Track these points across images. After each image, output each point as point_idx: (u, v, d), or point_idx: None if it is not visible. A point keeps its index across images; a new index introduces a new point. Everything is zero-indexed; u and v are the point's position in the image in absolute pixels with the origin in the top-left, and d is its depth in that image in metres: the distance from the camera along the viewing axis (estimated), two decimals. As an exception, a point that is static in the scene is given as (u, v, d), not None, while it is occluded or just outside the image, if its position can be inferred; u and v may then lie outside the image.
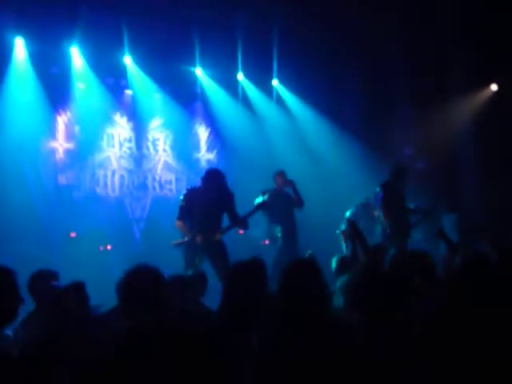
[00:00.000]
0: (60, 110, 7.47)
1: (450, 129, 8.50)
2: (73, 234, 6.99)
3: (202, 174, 5.58)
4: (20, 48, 6.89)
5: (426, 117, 8.11)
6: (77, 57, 7.30)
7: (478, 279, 2.25)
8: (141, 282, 2.51)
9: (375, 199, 6.38)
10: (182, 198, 5.49)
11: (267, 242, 7.25)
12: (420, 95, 8.44)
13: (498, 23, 7.58)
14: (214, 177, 5.37)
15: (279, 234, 6.49)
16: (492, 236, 6.85)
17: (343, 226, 7.82)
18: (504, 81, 8.43)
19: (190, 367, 1.71)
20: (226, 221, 5.65)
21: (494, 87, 8.89)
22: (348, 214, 7.64)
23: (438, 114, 8.24)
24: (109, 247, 7.16)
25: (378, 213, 6.38)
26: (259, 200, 6.31)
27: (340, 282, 3.70)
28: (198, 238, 5.22)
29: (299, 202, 6.60)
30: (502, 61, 8.03)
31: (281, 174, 6.66)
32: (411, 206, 6.68)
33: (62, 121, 7.51)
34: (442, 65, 8.25)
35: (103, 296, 3.66)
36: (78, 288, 3.00)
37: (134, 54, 7.64)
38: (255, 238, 7.77)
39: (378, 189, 6.32)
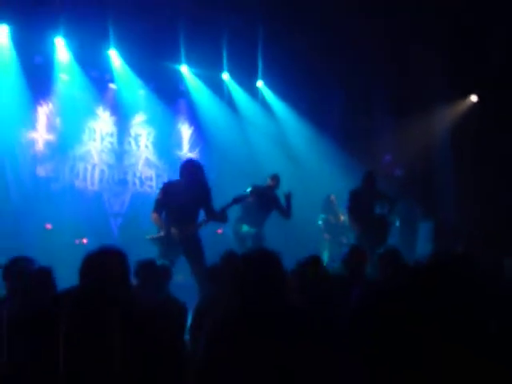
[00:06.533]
0: (42, 101, 7.38)
1: (429, 137, 8.62)
2: (48, 226, 6.91)
3: (180, 165, 5.41)
4: (4, 35, 6.80)
5: (406, 125, 8.22)
6: (61, 47, 7.23)
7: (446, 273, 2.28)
8: (102, 262, 2.45)
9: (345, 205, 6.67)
10: (159, 190, 5.38)
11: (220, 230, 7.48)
12: (400, 103, 8.55)
13: (480, 34, 7.72)
14: (191, 168, 5.28)
15: (246, 232, 6.46)
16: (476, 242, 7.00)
17: (320, 222, 7.99)
18: (483, 92, 8.57)
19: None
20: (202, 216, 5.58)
21: (473, 98, 9.02)
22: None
23: (418, 123, 8.35)
24: (84, 241, 7.09)
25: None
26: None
27: None
28: (173, 232, 5.17)
29: (287, 214, 6.59)
30: (483, 72, 8.16)
31: (274, 179, 6.69)
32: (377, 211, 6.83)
33: (43, 111, 7.43)
34: (423, 74, 8.36)
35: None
36: (46, 273, 2.95)
37: (119, 48, 7.59)
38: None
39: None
